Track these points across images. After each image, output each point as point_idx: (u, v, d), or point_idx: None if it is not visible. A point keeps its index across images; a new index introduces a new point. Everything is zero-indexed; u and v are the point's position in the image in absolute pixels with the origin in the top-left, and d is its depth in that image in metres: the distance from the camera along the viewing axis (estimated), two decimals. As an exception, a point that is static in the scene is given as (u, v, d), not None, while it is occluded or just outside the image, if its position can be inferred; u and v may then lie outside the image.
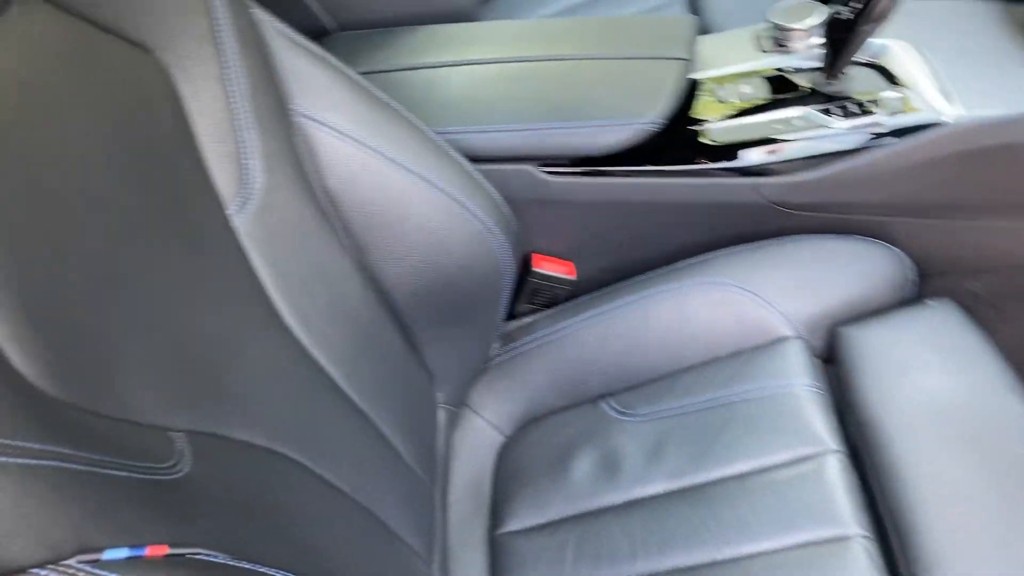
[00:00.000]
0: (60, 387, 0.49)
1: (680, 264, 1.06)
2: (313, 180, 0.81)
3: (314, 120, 0.80)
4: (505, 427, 1.07)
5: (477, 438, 1.05)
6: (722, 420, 0.96)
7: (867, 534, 0.84)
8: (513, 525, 0.97)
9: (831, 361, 1.00)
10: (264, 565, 0.55)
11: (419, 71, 1.07)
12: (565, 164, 1.01)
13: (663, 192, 1.02)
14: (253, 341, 0.70)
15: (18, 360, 0.47)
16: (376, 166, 0.83)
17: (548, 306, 1.12)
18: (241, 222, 0.73)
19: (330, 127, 0.81)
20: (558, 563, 0.92)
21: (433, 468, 0.94)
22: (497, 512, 0.99)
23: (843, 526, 0.84)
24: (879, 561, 0.82)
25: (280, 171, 0.77)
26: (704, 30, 1.45)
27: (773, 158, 1.00)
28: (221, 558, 0.52)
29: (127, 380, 0.55)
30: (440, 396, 1.00)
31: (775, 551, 0.85)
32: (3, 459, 0.41)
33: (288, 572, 0.58)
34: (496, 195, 0.93)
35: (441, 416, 1.00)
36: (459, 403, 1.04)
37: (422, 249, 0.88)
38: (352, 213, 0.84)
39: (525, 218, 1.06)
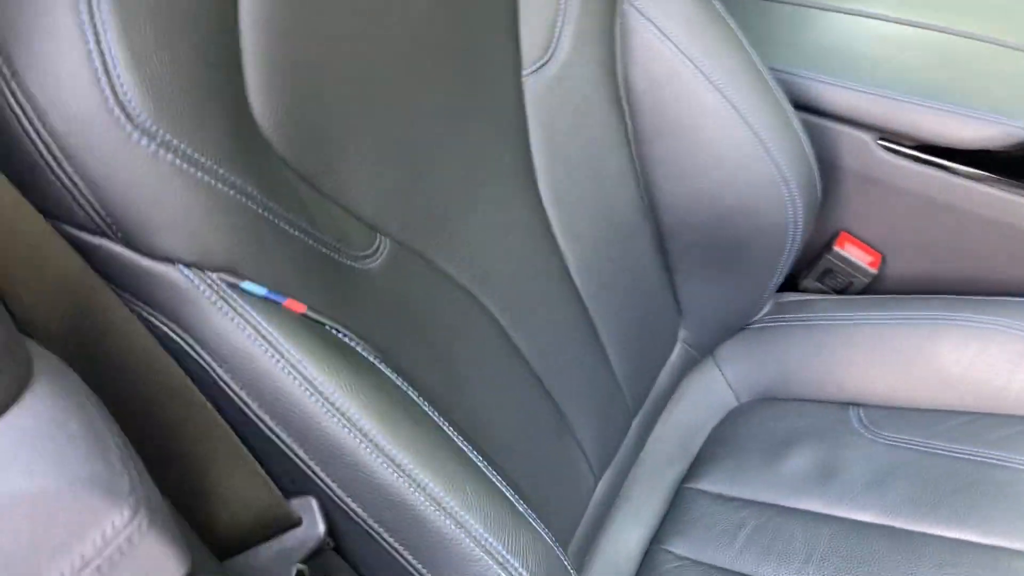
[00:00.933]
0: (287, 146, 0.55)
1: (999, 300, 0.91)
2: (619, 70, 0.80)
3: (640, 13, 0.79)
4: (743, 393, 1.01)
5: (710, 391, 1.01)
6: (970, 478, 0.83)
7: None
8: (705, 484, 0.93)
9: None
10: (410, 385, 0.59)
11: (793, 7, 1.00)
12: (907, 145, 0.90)
13: (1011, 212, 0.88)
14: (497, 193, 0.73)
15: (258, 109, 0.54)
16: (688, 76, 0.81)
17: (838, 292, 1.02)
18: (531, 84, 0.75)
19: (655, 24, 0.79)
20: (728, 539, 0.87)
21: (642, 396, 0.92)
22: (696, 466, 0.96)
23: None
24: None
25: (589, 49, 0.77)
26: None
27: None
28: (363, 348, 0.56)
29: (353, 170, 0.60)
30: (684, 334, 0.97)
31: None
32: (195, 171, 0.47)
33: (433, 403, 0.61)
34: (810, 151, 0.86)
35: (677, 353, 0.97)
36: (705, 350, 1.00)
37: (707, 175, 0.84)
38: (647, 115, 0.82)
39: (846, 191, 0.97)
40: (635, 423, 0.92)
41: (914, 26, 0.95)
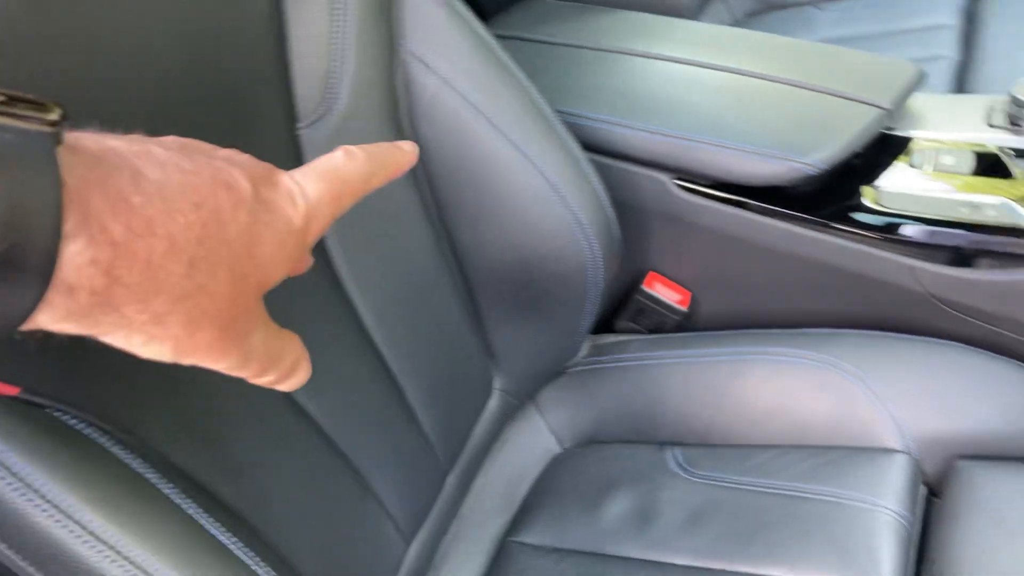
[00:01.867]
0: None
1: (802, 331, 0.93)
2: (404, 121, 0.79)
3: (422, 62, 0.78)
4: (565, 438, 1.00)
5: (532, 438, 0.99)
6: (781, 513, 0.83)
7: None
8: (527, 537, 0.90)
9: (939, 494, 0.84)
10: (161, 465, 0.54)
11: (583, 50, 1.01)
12: (703, 184, 0.92)
13: (806, 246, 0.90)
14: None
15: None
16: (474, 125, 0.80)
17: (652, 331, 1.03)
18: (310, 137, 0.73)
19: (437, 74, 0.78)
20: (548, 592, 0.85)
21: (456, 451, 0.90)
22: (519, 517, 0.93)
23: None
24: None
25: (368, 101, 0.75)
26: (960, 88, 1.27)
27: (941, 240, 0.84)
28: (92, 430, 0.52)
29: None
30: (500, 382, 0.95)
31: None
32: None
33: (192, 482, 0.56)
34: (603, 195, 0.86)
35: (494, 402, 0.95)
36: (525, 396, 0.99)
37: (504, 223, 0.83)
38: (439, 164, 0.81)
39: (651, 230, 0.98)
40: (451, 479, 0.89)
41: (703, 67, 0.97)
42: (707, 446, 0.93)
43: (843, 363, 0.88)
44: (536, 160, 0.81)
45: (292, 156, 0.72)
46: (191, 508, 0.54)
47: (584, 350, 1.01)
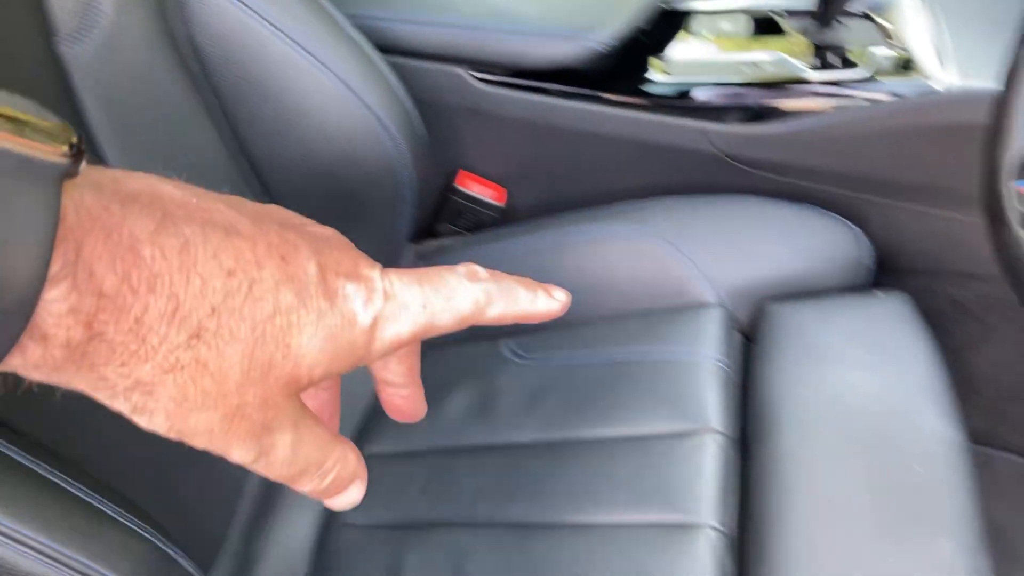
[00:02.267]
0: None
1: (613, 207, 0.96)
2: (179, 33, 0.75)
3: (190, -33, 0.74)
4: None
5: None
6: (612, 378, 0.87)
7: (719, 527, 0.73)
8: (373, 448, 0.90)
9: (752, 339, 0.89)
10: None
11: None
12: (499, 72, 0.92)
13: (603, 123, 0.92)
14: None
15: None
16: (259, 34, 0.76)
17: (472, 231, 1.04)
18: (75, 57, 0.68)
19: (209, -21, 0.75)
20: (401, 495, 0.85)
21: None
22: (362, 433, 0.93)
23: (695, 514, 0.74)
24: (723, 555, 0.72)
25: (135, 13, 0.71)
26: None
27: (729, 101, 0.88)
28: None
29: None
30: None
31: (618, 526, 0.76)
32: None
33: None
34: (403, 93, 0.85)
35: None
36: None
37: (302, 132, 0.81)
38: (224, 76, 0.77)
39: (456, 128, 0.98)
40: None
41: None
42: (538, 332, 0.95)
43: (655, 230, 0.92)
44: (328, 63, 0.79)
45: (55, 79, 0.67)
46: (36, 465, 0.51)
47: (407, 259, 1.01)
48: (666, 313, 0.90)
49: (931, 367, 0.80)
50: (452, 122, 0.96)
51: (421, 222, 1.04)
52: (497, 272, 0.36)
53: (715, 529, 0.74)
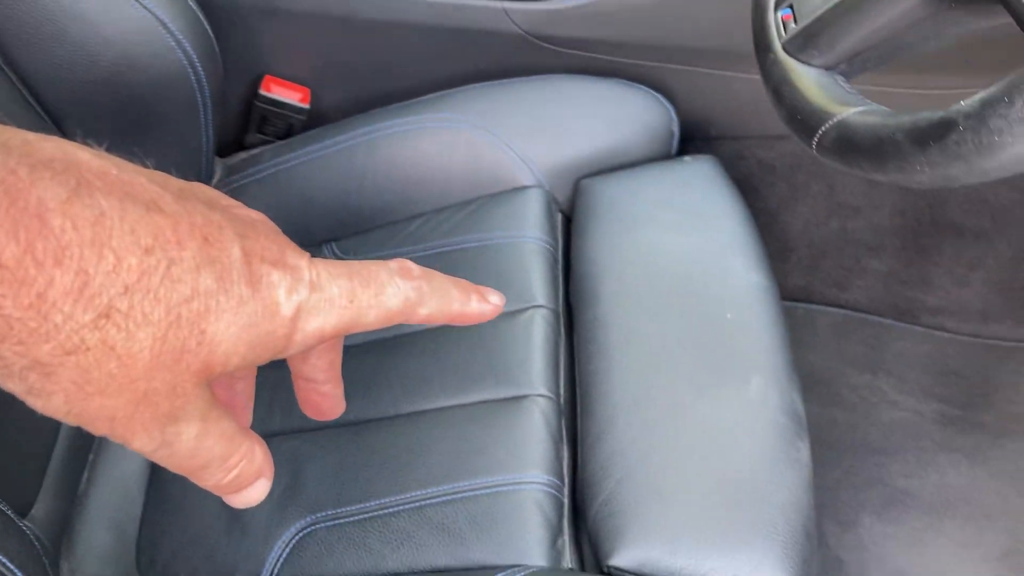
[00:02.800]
0: None
1: (422, 99, 0.94)
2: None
3: None
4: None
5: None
6: (438, 268, 0.86)
7: (549, 395, 0.75)
8: (201, 370, 0.87)
9: (572, 217, 0.90)
10: None
11: None
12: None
13: (400, 10, 0.90)
14: None
15: None
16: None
17: (282, 137, 1.00)
18: None
19: None
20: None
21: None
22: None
23: (526, 386, 0.75)
24: (553, 420, 0.74)
25: None
26: None
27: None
28: None
29: None
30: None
31: (451, 407, 0.76)
32: None
33: None
34: (182, -11, 0.80)
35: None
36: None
37: (76, 39, 0.75)
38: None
39: (255, 32, 0.93)
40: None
41: None
42: (361, 232, 0.93)
43: (467, 118, 0.91)
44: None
45: None
46: None
47: (217, 174, 0.96)
48: (487, 199, 0.90)
49: (740, 223, 0.83)
50: (250, 24, 0.91)
51: (228, 134, 0.99)
52: (430, 270, 0.34)
53: (545, 397, 0.75)
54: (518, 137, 0.90)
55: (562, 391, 0.77)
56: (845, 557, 0.93)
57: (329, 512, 0.73)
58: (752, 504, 0.65)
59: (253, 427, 0.83)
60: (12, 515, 0.65)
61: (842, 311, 1.13)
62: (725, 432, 0.68)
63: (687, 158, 0.89)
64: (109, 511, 0.78)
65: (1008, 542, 0.93)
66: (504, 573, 0.63)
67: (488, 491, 0.70)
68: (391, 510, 0.71)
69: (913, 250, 1.07)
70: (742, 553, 0.62)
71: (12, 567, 0.58)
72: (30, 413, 0.73)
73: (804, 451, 0.69)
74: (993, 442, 1.01)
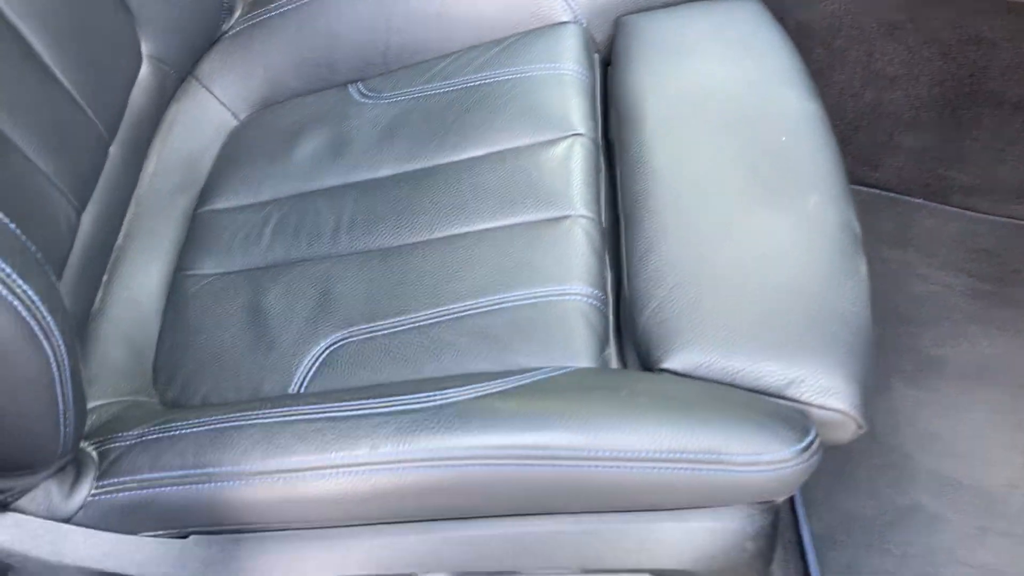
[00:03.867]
0: None
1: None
2: None
3: None
4: (240, 108, 0.92)
5: (203, 115, 0.90)
6: (469, 103, 0.82)
7: (591, 215, 0.72)
8: (220, 203, 0.83)
9: (611, 62, 0.86)
10: None
11: None
12: None
13: None
14: None
15: None
16: None
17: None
18: None
19: None
20: (254, 241, 0.79)
21: (114, 120, 0.79)
22: (207, 190, 0.86)
23: (568, 207, 0.72)
24: (596, 239, 0.70)
25: None
26: None
27: None
28: None
29: None
30: (148, 47, 0.84)
31: (489, 230, 0.73)
32: None
33: None
34: None
35: (147, 71, 0.84)
36: (181, 67, 0.88)
37: None
38: None
39: None
40: (114, 150, 0.78)
41: None
42: (388, 73, 0.89)
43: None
44: None
45: None
46: None
47: (238, 8, 0.92)
48: (520, 36, 0.86)
49: (790, 56, 0.79)
50: None
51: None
52: None
53: (586, 217, 0.72)
54: (557, -27, 0.86)
55: (603, 217, 0.74)
56: (877, 418, 0.91)
57: (363, 327, 0.69)
58: (812, 311, 0.62)
59: (277, 255, 0.79)
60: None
61: (872, 191, 1.10)
62: (782, 244, 0.65)
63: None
64: (124, 329, 0.75)
65: (1042, 409, 0.92)
66: (552, 369, 0.60)
67: (531, 301, 0.66)
68: (429, 321, 0.68)
69: (950, 124, 1.04)
70: (802, 357, 0.59)
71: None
72: (43, 237, 0.68)
73: (863, 268, 0.66)
74: (1026, 316, 0.99)
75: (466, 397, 0.56)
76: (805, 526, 0.85)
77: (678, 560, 0.56)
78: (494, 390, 0.57)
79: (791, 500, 0.88)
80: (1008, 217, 1.07)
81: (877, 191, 1.10)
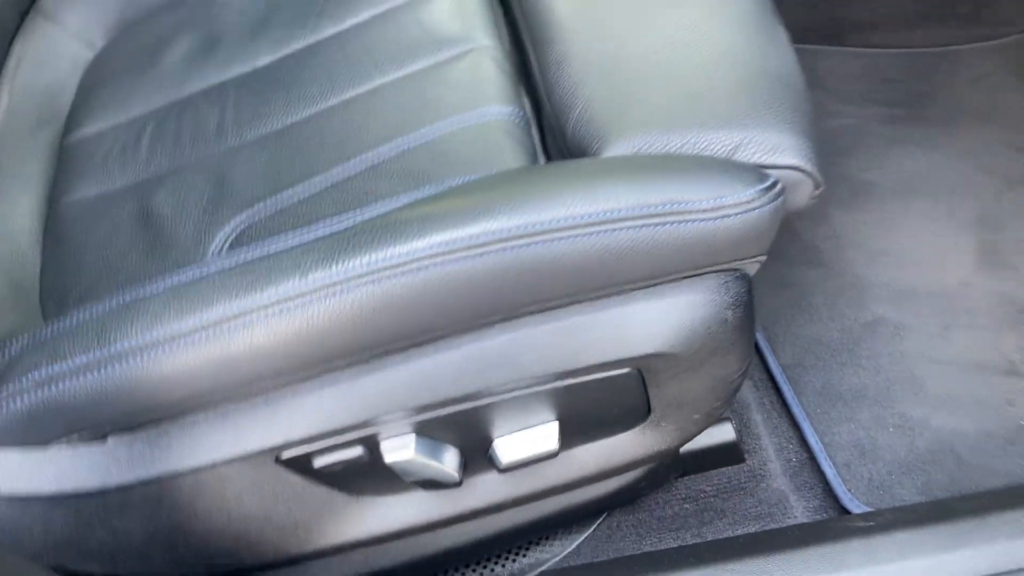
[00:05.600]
0: None
1: None
2: None
3: None
4: (96, 36, 0.84)
5: (51, 49, 0.82)
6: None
7: (493, 43, 0.66)
8: (88, 129, 0.75)
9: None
10: None
11: None
12: None
13: None
14: None
15: None
16: None
17: None
18: None
19: None
20: (132, 153, 0.71)
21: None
22: (71, 120, 0.77)
23: (468, 42, 0.67)
24: (504, 63, 0.65)
25: None
26: None
27: None
28: None
29: None
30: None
31: (391, 81, 0.67)
32: None
33: None
34: None
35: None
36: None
37: None
38: None
39: None
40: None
41: None
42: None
43: None
44: None
45: None
46: None
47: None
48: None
49: None
50: None
51: None
52: None
53: (490, 46, 0.66)
54: None
55: (507, 43, 0.69)
56: (822, 245, 0.88)
57: (268, 201, 0.62)
58: (744, 78, 0.58)
59: (161, 165, 0.72)
60: None
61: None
62: (699, 27, 0.61)
63: None
64: (2, 266, 0.66)
65: (977, 208, 0.90)
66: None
67: (449, 131, 0.61)
68: (344, 176, 0.61)
69: (833, -38, 1.04)
70: (745, 120, 0.55)
71: None
72: None
73: (783, 34, 0.62)
74: (942, 131, 0.98)
75: (396, 206, 0.50)
76: (772, 359, 0.81)
77: (659, 342, 0.51)
78: (426, 195, 0.51)
79: (756, 343, 0.84)
80: (903, 47, 1.07)
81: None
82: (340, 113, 0.66)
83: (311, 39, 0.73)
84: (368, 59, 0.69)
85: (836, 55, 1.07)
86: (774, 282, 0.86)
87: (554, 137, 0.61)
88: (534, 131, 0.63)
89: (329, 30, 0.73)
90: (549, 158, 0.62)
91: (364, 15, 0.73)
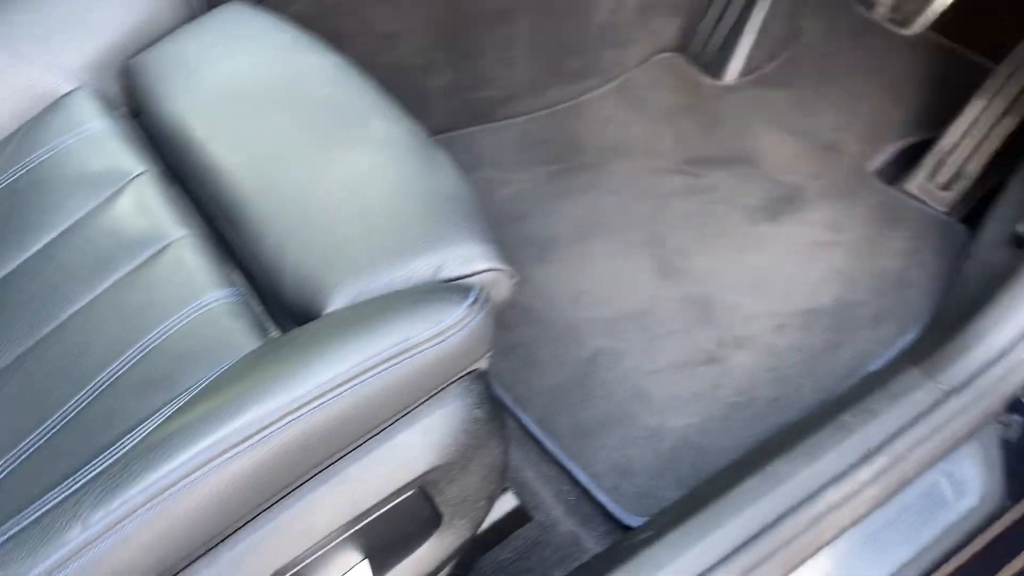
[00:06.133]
0: None
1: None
2: None
3: None
4: None
5: None
6: (14, 201, 0.76)
7: (188, 232, 0.70)
8: None
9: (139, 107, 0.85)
10: None
11: None
12: None
13: None
14: None
15: None
16: None
17: None
18: None
19: None
20: None
21: None
22: None
23: (162, 238, 0.70)
24: (209, 248, 0.69)
25: None
26: None
27: None
28: None
29: None
30: None
31: (95, 298, 0.68)
32: None
33: None
34: None
35: None
36: None
37: None
38: None
39: None
40: None
41: None
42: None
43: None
44: None
45: None
46: None
47: None
48: (32, 122, 0.81)
49: (294, 30, 0.83)
50: None
51: None
52: None
53: (186, 236, 0.70)
54: (38, 44, 0.82)
55: (202, 229, 0.72)
56: (532, 304, 0.99)
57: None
58: (423, 204, 0.66)
59: None
60: None
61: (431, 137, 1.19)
62: (368, 167, 0.69)
63: (217, 10, 0.88)
64: None
65: (645, 235, 1.06)
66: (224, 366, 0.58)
67: (173, 330, 0.63)
68: (81, 407, 0.62)
69: (459, 56, 1.16)
70: (436, 242, 0.63)
71: None
72: None
73: (443, 157, 0.71)
74: (595, 173, 1.13)
75: (148, 430, 0.53)
76: (524, 416, 0.90)
77: (430, 459, 0.57)
78: (172, 411, 0.54)
79: (506, 405, 0.93)
80: (543, 109, 1.22)
81: (434, 136, 1.20)
82: (54, 343, 0.66)
83: (14, 263, 0.72)
84: (67, 280, 0.69)
85: (491, 131, 1.20)
86: (502, 350, 0.95)
87: (276, 301, 0.66)
88: (255, 303, 0.67)
89: (18, 258, 0.73)
90: (278, 323, 0.66)
91: (51, 235, 0.73)
